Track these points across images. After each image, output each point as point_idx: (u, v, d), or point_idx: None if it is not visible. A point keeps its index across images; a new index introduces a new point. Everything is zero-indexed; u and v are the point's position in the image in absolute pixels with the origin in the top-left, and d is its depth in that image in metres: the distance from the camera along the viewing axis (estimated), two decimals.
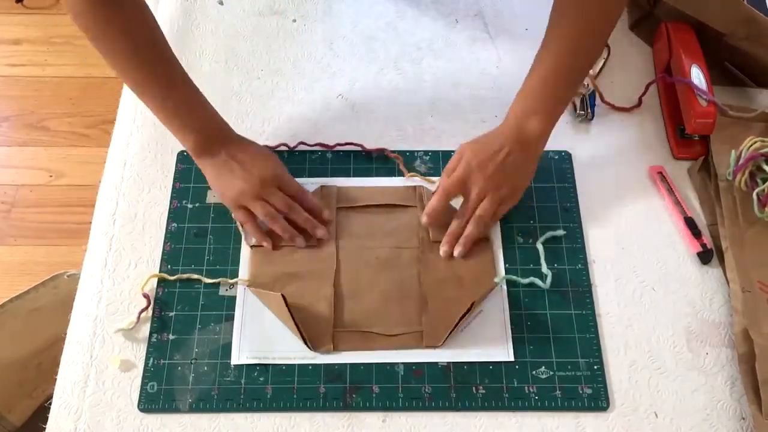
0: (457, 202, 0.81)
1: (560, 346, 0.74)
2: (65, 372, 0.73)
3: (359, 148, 0.87)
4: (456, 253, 0.78)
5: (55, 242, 1.60)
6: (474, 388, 0.72)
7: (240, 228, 0.81)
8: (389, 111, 0.91)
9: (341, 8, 1.01)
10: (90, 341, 0.74)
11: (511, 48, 0.96)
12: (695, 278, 0.79)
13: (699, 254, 0.80)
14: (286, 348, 0.74)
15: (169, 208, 0.82)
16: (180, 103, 0.77)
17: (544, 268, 0.78)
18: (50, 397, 0.72)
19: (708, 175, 0.85)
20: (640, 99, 0.91)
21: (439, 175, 0.82)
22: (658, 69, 0.93)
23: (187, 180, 0.84)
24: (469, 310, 0.72)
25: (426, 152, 0.87)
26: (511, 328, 0.75)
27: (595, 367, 0.74)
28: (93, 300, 0.77)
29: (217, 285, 0.78)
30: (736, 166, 0.81)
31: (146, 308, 0.75)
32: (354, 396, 0.72)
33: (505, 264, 0.79)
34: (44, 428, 0.70)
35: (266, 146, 0.85)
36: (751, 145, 0.81)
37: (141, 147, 0.87)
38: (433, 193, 0.81)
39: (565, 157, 0.87)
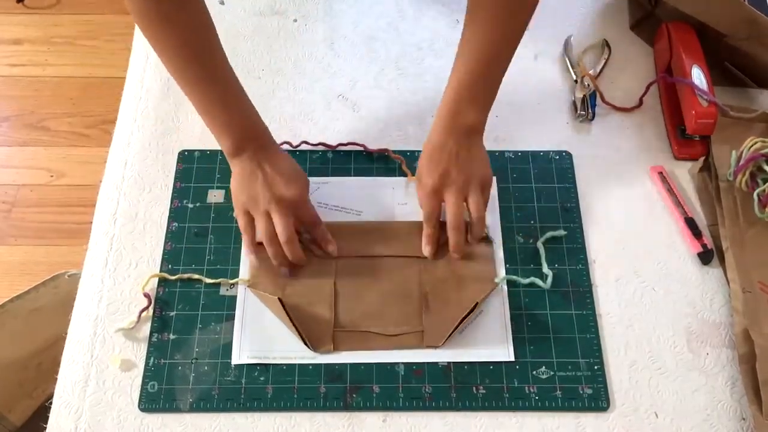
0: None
1: (561, 346, 0.75)
2: (66, 371, 0.73)
3: (361, 149, 0.87)
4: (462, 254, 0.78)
5: (55, 242, 1.60)
6: (474, 388, 0.72)
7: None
8: (390, 111, 0.91)
9: (342, 8, 1.01)
10: (90, 341, 0.74)
11: None
12: (696, 278, 0.79)
13: (699, 254, 0.80)
14: (287, 348, 0.74)
15: (170, 208, 0.82)
16: (227, 105, 0.76)
17: (545, 268, 0.78)
18: (50, 396, 0.72)
19: (708, 176, 0.85)
20: (640, 99, 0.91)
21: None
22: (659, 69, 0.93)
23: (187, 180, 0.84)
24: (471, 310, 0.72)
25: None
26: (512, 328, 0.75)
27: (596, 367, 0.74)
28: (94, 299, 0.77)
29: (218, 285, 0.77)
30: (736, 167, 0.81)
31: (147, 308, 0.75)
32: (354, 396, 0.72)
33: (505, 264, 0.79)
34: (45, 428, 0.70)
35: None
36: (752, 146, 0.81)
37: (142, 147, 0.87)
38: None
39: (566, 157, 0.87)
